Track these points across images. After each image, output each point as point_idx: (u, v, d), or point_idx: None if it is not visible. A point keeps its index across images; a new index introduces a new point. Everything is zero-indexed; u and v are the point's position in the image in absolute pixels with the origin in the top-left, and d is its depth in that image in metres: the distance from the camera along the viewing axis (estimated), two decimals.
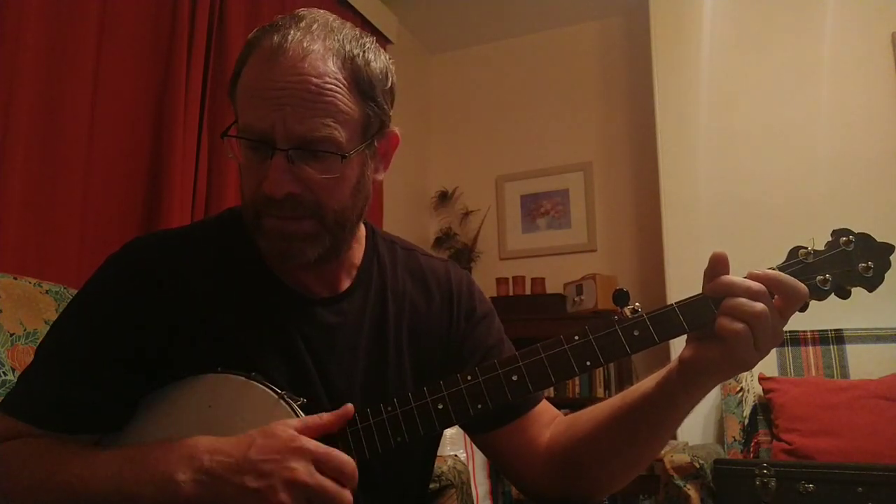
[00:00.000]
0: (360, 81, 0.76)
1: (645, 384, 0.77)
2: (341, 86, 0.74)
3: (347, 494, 0.67)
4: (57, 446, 0.74)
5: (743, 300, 0.66)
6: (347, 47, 0.76)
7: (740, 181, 2.73)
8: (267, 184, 0.73)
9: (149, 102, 1.99)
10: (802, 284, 0.68)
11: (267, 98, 0.72)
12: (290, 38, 0.73)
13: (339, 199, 0.77)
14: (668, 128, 2.90)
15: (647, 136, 3.09)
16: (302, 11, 0.78)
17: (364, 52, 0.77)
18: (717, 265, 0.70)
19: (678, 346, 0.71)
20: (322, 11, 0.80)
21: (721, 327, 0.67)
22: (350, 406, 0.73)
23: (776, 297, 0.68)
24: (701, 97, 2.85)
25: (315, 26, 0.75)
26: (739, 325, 0.66)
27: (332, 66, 0.74)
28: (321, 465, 0.66)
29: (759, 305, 0.66)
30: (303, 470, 0.65)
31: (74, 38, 1.75)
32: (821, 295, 0.71)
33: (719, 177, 2.77)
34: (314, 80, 0.72)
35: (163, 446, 0.70)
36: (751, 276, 0.69)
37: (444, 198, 3.71)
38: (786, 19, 2.76)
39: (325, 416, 0.71)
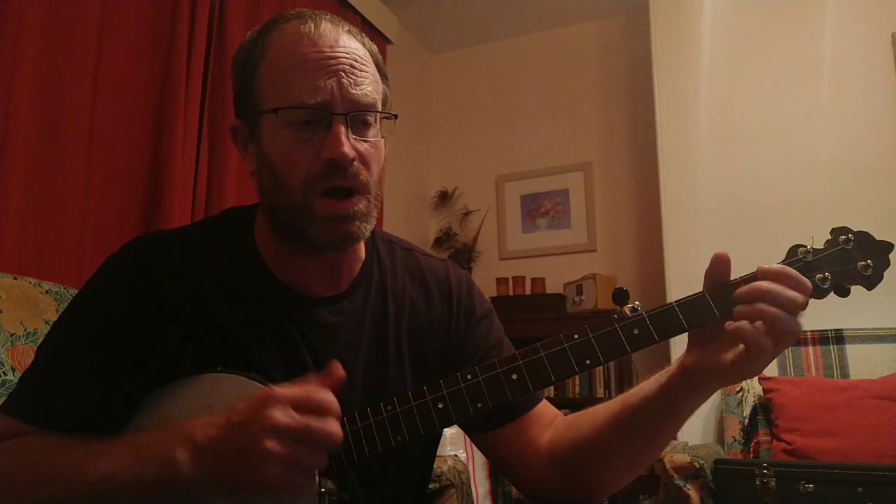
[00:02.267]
0: (378, 61, 0.82)
1: (647, 386, 0.77)
2: (371, 61, 0.80)
3: (333, 424, 0.65)
4: (57, 443, 0.74)
5: (780, 314, 0.65)
6: (358, 34, 0.82)
7: (740, 181, 2.73)
8: (329, 150, 0.73)
9: (149, 102, 1.99)
10: (808, 280, 0.68)
11: (321, 68, 0.75)
12: (318, 20, 0.78)
13: (377, 172, 0.79)
14: (668, 128, 2.90)
15: (647, 136, 3.09)
16: (299, 11, 0.82)
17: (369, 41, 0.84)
18: (718, 265, 0.70)
19: (678, 344, 0.71)
20: None
21: (750, 339, 0.66)
22: (338, 365, 0.70)
23: None
24: (701, 97, 2.85)
25: (328, 16, 0.80)
26: (769, 341, 0.65)
27: (360, 45, 0.79)
28: (300, 405, 0.65)
29: (794, 321, 0.66)
30: (280, 414, 0.63)
31: (74, 38, 1.76)
32: (820, 293, 0.71)
33: (719, 177, 2.77)
34: (356, 51, 0.78)
35: (160, 429, 0.71)
36: (762, 271, 0.69)
37: (444, 198, 3.71)
38: (786, 19, 2.76)
39: (310, 379, 0.69)
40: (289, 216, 0.77)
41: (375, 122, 0.79)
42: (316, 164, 0.74)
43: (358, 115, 0.76)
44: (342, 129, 0.74)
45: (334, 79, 0.74)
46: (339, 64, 0.75)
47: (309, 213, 0.75)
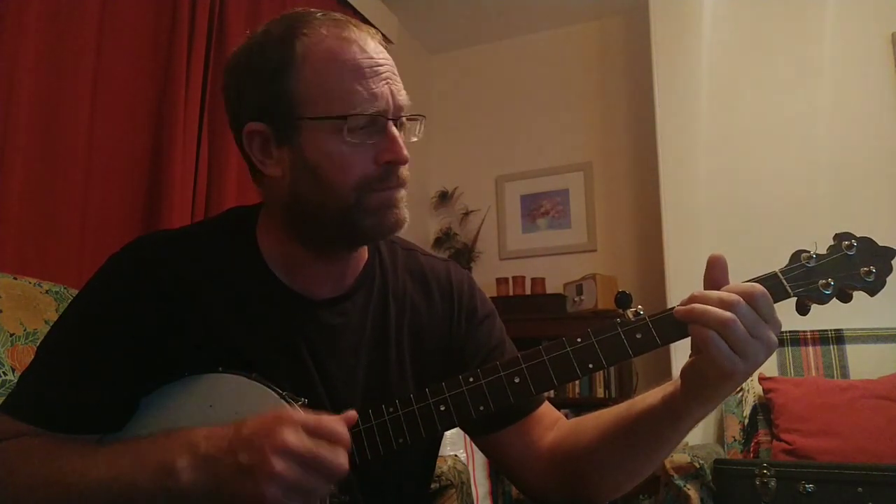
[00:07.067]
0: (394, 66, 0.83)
1: (650, 397, 0.77)
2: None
3: (341, 453, 0.66)
4: (56, 444, 0.74)
5: (706, 307, 0.66)
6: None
7: (740, 181, 2.73)
8: (391, 154, 0.77)
9: (149, 102, 1.99)
10: (758, 285, 0.68)
11: (375, 75, 0.77)
12: (352, 24, 0.79)
13: None
14: (668, 128, 2.90)
15: (647, 136, 3.09)
16: (315, 10, 0.81)
17: None
18: (713, 267, 0.70)
19: (678, 349, 0.71)
20: None
21: (692, 333, 0.68)
22: (353, 412, 0.72)
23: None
24: (701, 97, 2.85)
25: (354, 21, 0.81)
26: (707, 332, 0.66)
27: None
28: (311, 431, 0.65)
29: (718, 311, 0.66)
30: (292, 437, 0.64)
31: (74, 38, 1.75)
32: (823, 299, 0.71)
33: (719, 177, 2.77)
34: (389, 57, 0.81)
35: (162, 436, 0.70)
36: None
37: (444, 198, 3.71)
38: (786, 19, 2.76)
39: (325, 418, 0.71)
40: (338, 215, 0.77)
41: (421, 118, 0.85)
42: (372, 166, 0.77)
43: (403, 119, 0.80)
44: (398, 133, 0.78)
45: (387, 85, 0.77)
46: (387, 70, 0.78)
47: (362, 208, 0.77)
